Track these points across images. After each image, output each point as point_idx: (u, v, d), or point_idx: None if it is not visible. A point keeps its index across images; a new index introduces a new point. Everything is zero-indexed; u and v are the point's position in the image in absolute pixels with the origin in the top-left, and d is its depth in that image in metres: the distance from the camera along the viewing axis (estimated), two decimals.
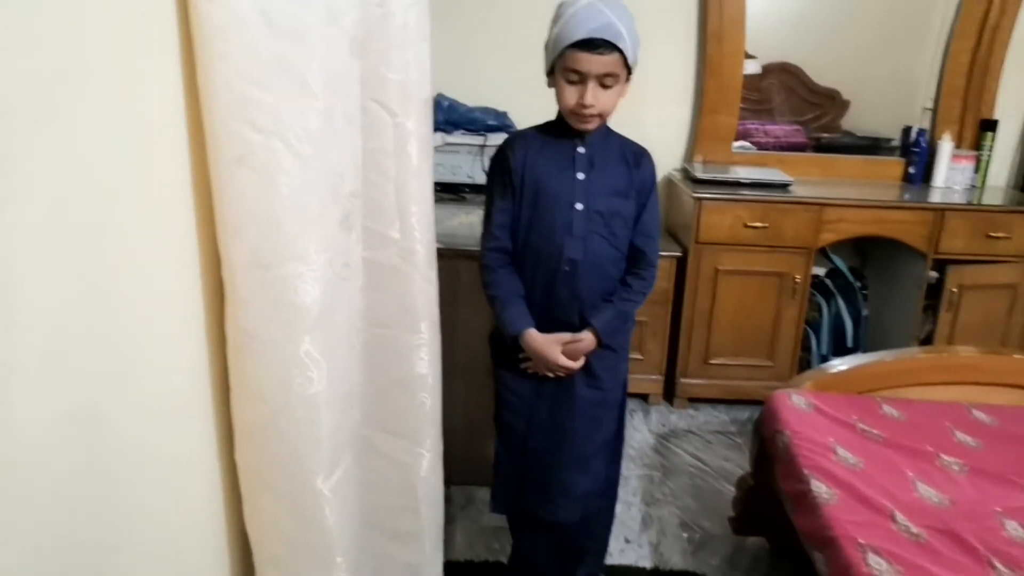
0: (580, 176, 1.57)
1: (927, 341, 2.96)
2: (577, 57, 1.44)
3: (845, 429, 1.81)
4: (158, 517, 0.97)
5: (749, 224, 2.77)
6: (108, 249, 0.82)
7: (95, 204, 0.79)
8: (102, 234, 0.81)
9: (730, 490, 2.36)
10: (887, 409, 1.92)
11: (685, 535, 2.25)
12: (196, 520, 1.11)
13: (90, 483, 0.81)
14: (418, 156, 1.26)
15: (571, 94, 1.49)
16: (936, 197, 2.94)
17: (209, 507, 1.13)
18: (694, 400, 3.02)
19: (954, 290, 2.86)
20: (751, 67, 3.14)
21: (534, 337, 1.60)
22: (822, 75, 3.33)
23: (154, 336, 0.93)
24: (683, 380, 2.97)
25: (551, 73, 1.53)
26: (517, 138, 1.65)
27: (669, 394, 3.02)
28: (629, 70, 1.50)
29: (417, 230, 1.29)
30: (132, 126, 0.86)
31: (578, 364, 1.62)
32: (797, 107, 3.37)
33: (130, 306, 0.87)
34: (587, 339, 1.61)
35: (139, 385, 0.90)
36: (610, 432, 1.75)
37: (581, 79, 1.47)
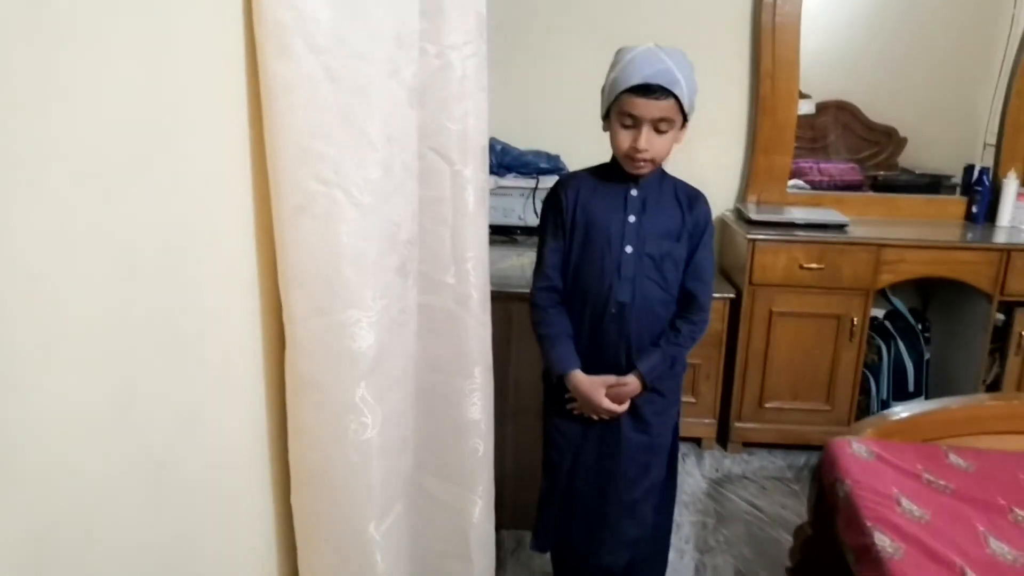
0: (631, 219, 1.57)
1: (994, 386, 2.85)
2: (633, 101, 1.46)
3: (909, 479, 1.75)
4: (215, 560, 0.98)
5: (805, 265, 2.72)
6: (180, 301, 0.85)
7: (169, 257, 0.82)
8: (175, 286, 0.84)
9: (787, 539, 2.29)
10: (954, 459, 1.85)
11: None
12: (251, 565, 1.12)
13: (152, 529, 0.83)
14: (474, 203, 1.27)
15: (625, 138, 1.50)
16: (1001, 237, 2.85)
17: (264, 551, 1.14)
18: (748, 444, 2.95)
19: (1023, 333, 2.75)
20: (805, 107, 3.11)
21: (579, 378, 1.60)
22: (878, 112, 3.28)
23: (218, 384, 0.96)
24: (737, 424, 2.90)
25: (607, 117, 1.54)
26: (570, 179, 1.66)
27: (723, 438, 2.96)
28: (685, 117, 1.51)
29: (472, 275, 1.30)
30: (207, 179, 0.90)
31: (622, 408, 1.61)
32: (853, 145, 3.32)
33: (198, 356, 0.90)
34: (632, 383, 1.60)
35: (201, 432, 0.92)
36: (659, 478, 1.72)
37: (636, 123, 1.48)
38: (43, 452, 0.64)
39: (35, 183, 0.61)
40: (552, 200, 1.65)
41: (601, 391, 1.59)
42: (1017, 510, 1.66)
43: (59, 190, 0.64)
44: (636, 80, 1.44)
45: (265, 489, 1.13)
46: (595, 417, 1.63)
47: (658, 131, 1.49)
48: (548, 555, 1.82)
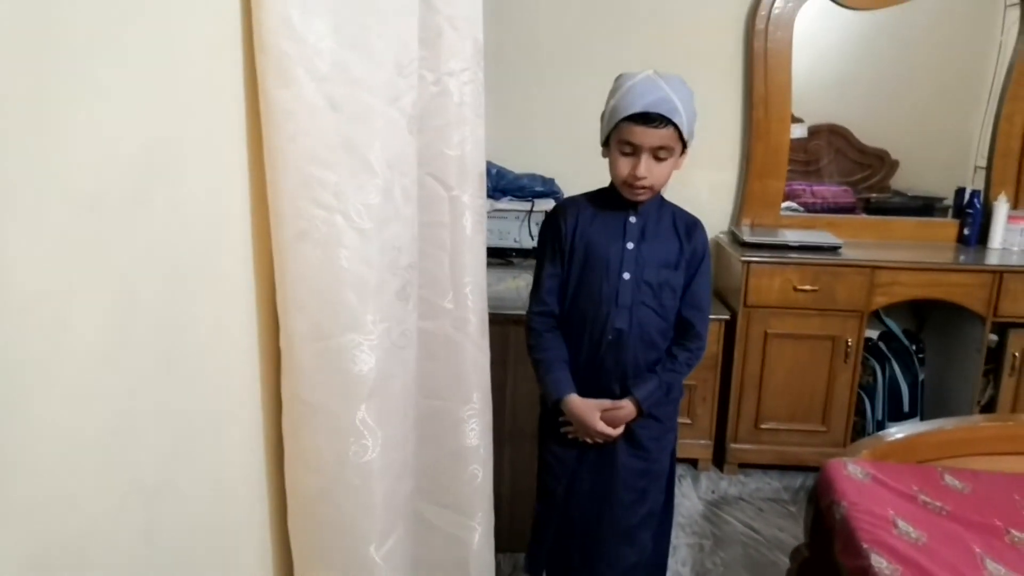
0: (630, 246, 1.58)
1: (989, 407, 2.86)
2: (632, 130, 1.47)
3: (906, 501, 1.75)
4: None
5: (799, 287, 2.74)
6: (177, 326, 0.85)
7: (167, 283, 0.83)
8: (172, 312, 0.84)
9: (784, 561, 2.28)
10: (950, 480, 1.86)
11: None
12: None
13: (148, 553, 0.82)
14: (472, 228, 1.29)
15: (624, 166, 1.51)
16: (993, 259, 2.87)
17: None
18: (744, 466, 2.95)
19: (1016, 354, 2.77)
20: (798, 131, 3.15)
21: (575, 402, 1.60)
22: (870, 135, 3.32)
23: (215, 410, 0.96)
24: (733, 445, 2.91)
25: (606, 144, 1.56)
26: (569, 204, 1.66)
27: (719, 459, 2.96)
28: (684, 144, 1.52)
29: (470, 300, 1.31)
30: (206, 206, 0.91)
31: (617, 432, 1.61)
32: (845, 168, 3.36)
33: (195, 379, 0.90)
34: (627, 408, 1.60)
35: (198, 456, 0.92)
36: (657, 504, 1.72)
37: (635, 151, 1.49)
38: (38, 477, 0.64)
39: (34, 210, 0.62)
40: (550, 225, 1.65)
41: (596, 414, 1.59)
42: (1014, 531, 1.66)
43: (58, 217, 0.64)
44: (636, 108, 1.44)
45: (262, 513, 1.13)
46: (590, 441, 1.63)
47: (657, 159, 1.49)
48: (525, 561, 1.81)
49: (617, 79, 1.53)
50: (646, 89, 1.45)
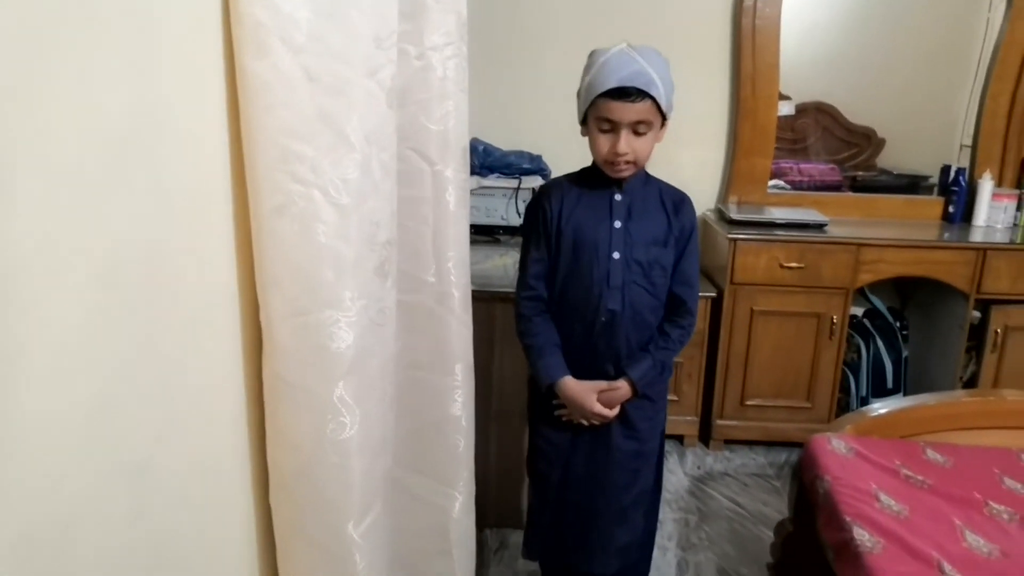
0: (617, 224, 1.56)
1: (971, 383, 2.89)
2: (609, 106, 1.44)
3: (888, 475, 1.77)
4: (196, 564, 0.98)
5: (785, 265, 2.75)
6: (158, 303, 0.84)
7: (148, 259, 0.82)
8: (153, 288, 0.83)
9: (768, 535, 2.31)
10: (931, 454, 1.87)
11: None
12: (232, 568, 1.11)
13: (134, 532, 0.82)
14: (455, 203, 1.28)
15: (604, 143, 1.48)
16: (977, 236, 2.89)
17: (244, 555, 1.14)
18: (730, 442, 2.98)
19: (998, 331, 2.79)
20: (785, 108, 3.14)
21: (570, 385, 1.59)
22: (857, 114, 3.32)
23: (198, 386, 0.95)
24: (719, 422, 2.93)
25: (584, 122, 1.53)
26: (553, 186, 1.64)
27: (705, 436, 2.98)
28: (664, 116, 1.49)
29: (453, 274, 1.30)
30: (186, 181, 0.89)
31: (613, 412, 1.60)
32: (832, 146, 3.36)
33: (179, 358, 0.89)
34: (623, 388, 1.59)
35: (180, 435, 0.91)
36: (649, 483, 1.72)
37: (614, 127, 1.46)
38: (21, 458, 0.64)
39: (11, 186, 0.60)
40: (534, 209, 1.63)
41: (593, 396, 1.58)
42: (993, 504, 1.68)
43: (36, 193, 0.63)
44: (611, 84, 1.42)
45: (245, 491, 1.12)
46: (585, 423, 1.62)
47: (637, 133, 1.47)
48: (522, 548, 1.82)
49: (591, 55, 1.50)
50: (620, 63, 1.42)
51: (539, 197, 1.63)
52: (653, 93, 1.43)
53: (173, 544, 0.91)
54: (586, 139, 1.55)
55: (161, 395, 0.86)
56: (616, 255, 1.55)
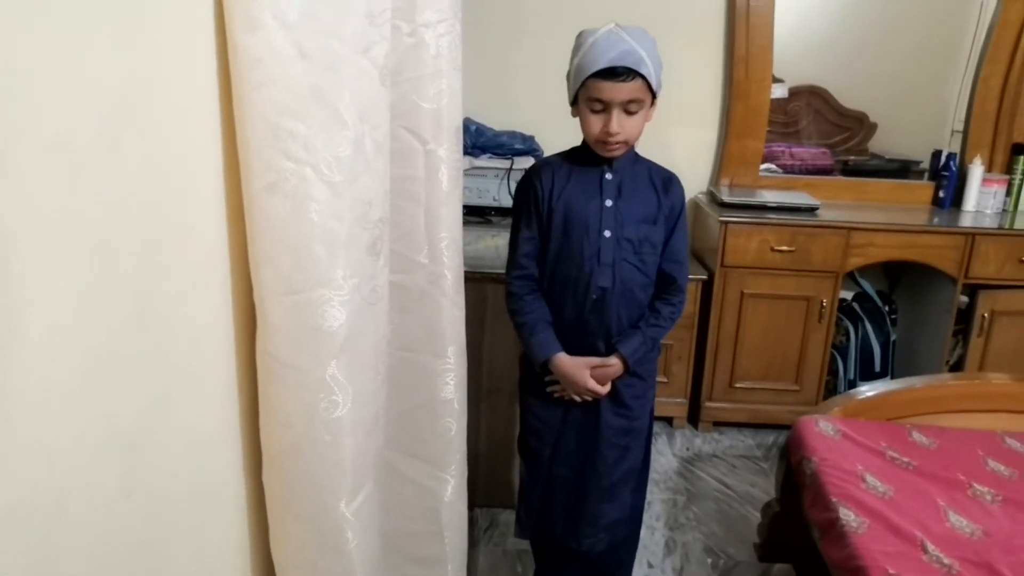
0: (608, 203, 1.57)
1: (957, 366, 2.92)
2: (599, 86, 1.45)
3: (874, 456, 1.79)
4: (188, 540, 0.98)
5: (776, 248, 2.76)
6: (149, 278, 0.84)
7: (138, 234, 0.81)
8: (144, 262, 0.83)
9: (755, 516, 2.33)
10: (917, 436, 1.90)
11: (709, 560, 2.22)
12: (223, 544, 1.12)
13: (124, 506, 0.82)
14: (448, 183, 1.27)
15: (595, 123, 1.49)
16: (967, 221, 2.90)
17: (236, 532, 1.15)
18: (719, 424, 3.00)
19: (985, 315, 2.81)
20: (778, 91, 3.14)
21: (563, 361, 1.60)
22: (849, 98, 3.32)
23: (190, 362, 0.95)
24: (708, 404, 2.95)
25: (574, 103, 1.54)
26: (543, 165, 1.64)
27: (694, 418, 3.00)
28: (654, 95, 1.50)
29: (446, 255, 1.30)
30: (177, 155, 0.89)
31: (605, 389, 1.62)
32: (824, 130, 3.36)
33: (170, 331, 0.89)
34: (615, 364, 1.60)
35: (172, 410, 0.91)
36: (637, 460, 1.74)
37: (605, 108, 1.47)
38: (12, 426, 0.63)
39: (3, 160, 0.60)
40: (525, 188, 1.63)
41: (586, 372, 1.59)
42: (976, 485, 1.70)
43: (25, 166, 0.63)
44: (601, 64, 1.42)
45: (237, 468, 1.13)
46: (577, 399, 1.64)
47: (628, 112, 1.48)
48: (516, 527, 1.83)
49: (579, 36, 1.50)
50: (609, 43, 1.43)
51: (530, 176, 1.64)
52: (643, 72, 1.44)
53: (165, 520, 0.92)
54: (577, 119, 1.55)
55: (153, 366, 0.86)
56: (607, 233, 1.56)
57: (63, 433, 0.71)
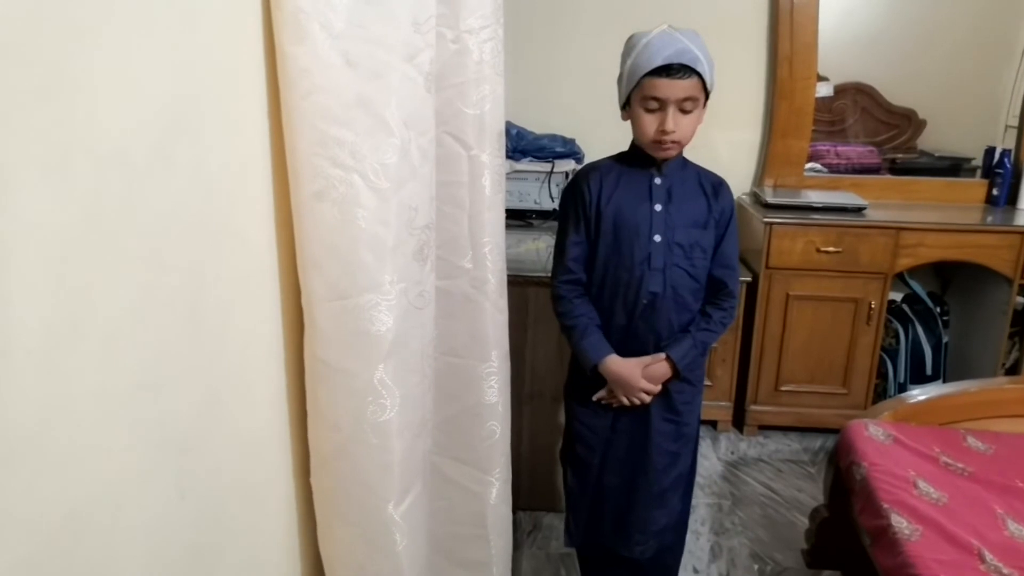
0: (657, 207, 1.56)
1: (1013, 370, 2.83)
2: (656, 84, 1.44)
3: (927, 462, 1.75)
4: (239, 540, 1.00)
5: (822, 249, 2.71)
6: (201, 286, 0.86)
7: (191, 242, 0.83)
8: (196, 270, 0.85)
9: (803, 521, 2.29)
10: (972, 442, 1.85)
11: (756, 566, 2.19)
12: (274, 546, 1.14)
13: (179, 508, 0.84)
14: (491, 188, 1.27)
15: (650, 123, 1.48)
16: (1022, 220, 2.82)
17: (286, 533, 1.16)
18: (764, 428, 2.95)
19: None
20: (823, 89, 3.08)
21: (616, 362, 1.58)
22: (897, 95, 3.25)
23: (240, 366, 0.97)
24: (753, 407, 2.90)
25: (626, 106, 1.53)
26: (591, 169, 1.63)
27: (739, 421, 2.96)
28: (707, 94, 1.50)
29: (489, 260, 1.30)
30: (227, 165, 0.91)
31: (657, 388, 1.60)
32: (871, 128, 3.29)
33: (221, 337, 0.91)
34: (663, 364, 1.59)
35: (223, 414, 0.93)
36: (687, 466, 1.72)
37: (661, 106, 1.46)
38: (72, 431, 0.66)
39: (61, 171, 0.62)
40: (573, 192, 1.62)
41: (638, 371, 1.58)
42: None
43: (84, 178, 0.65)
44: (658, 62, 1.42)
45: (286, 470, 1.14)
46: (627, 403, 1.62)
47: (683, 111, 1.47)
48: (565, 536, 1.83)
49: (630, 39, 1.50)
50: (664, 43, 1.43)
51: (578, 180, 1.63)
52: (699, 69, 1.44)
53: (218, 520, 0.94)
54: (620, 123, 1.55)
55: (205, 372, 0.88)
56: (657, 238, 1.55)
57: (119, 436, 0.73)
